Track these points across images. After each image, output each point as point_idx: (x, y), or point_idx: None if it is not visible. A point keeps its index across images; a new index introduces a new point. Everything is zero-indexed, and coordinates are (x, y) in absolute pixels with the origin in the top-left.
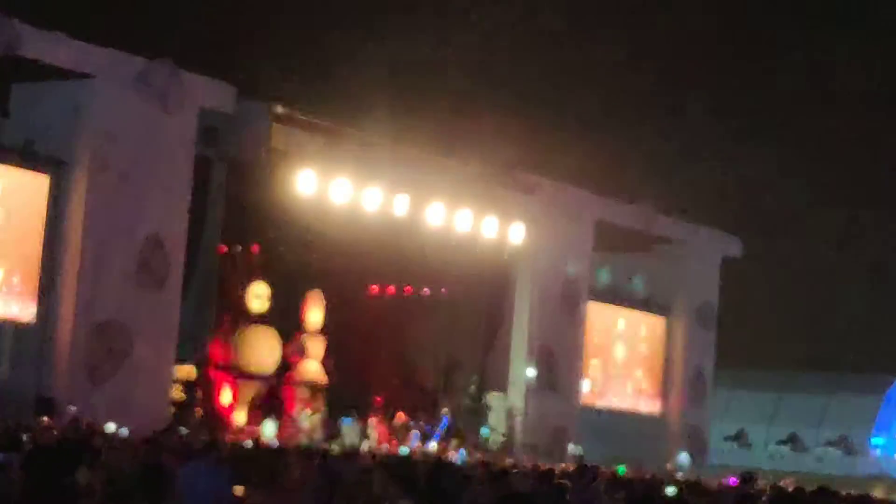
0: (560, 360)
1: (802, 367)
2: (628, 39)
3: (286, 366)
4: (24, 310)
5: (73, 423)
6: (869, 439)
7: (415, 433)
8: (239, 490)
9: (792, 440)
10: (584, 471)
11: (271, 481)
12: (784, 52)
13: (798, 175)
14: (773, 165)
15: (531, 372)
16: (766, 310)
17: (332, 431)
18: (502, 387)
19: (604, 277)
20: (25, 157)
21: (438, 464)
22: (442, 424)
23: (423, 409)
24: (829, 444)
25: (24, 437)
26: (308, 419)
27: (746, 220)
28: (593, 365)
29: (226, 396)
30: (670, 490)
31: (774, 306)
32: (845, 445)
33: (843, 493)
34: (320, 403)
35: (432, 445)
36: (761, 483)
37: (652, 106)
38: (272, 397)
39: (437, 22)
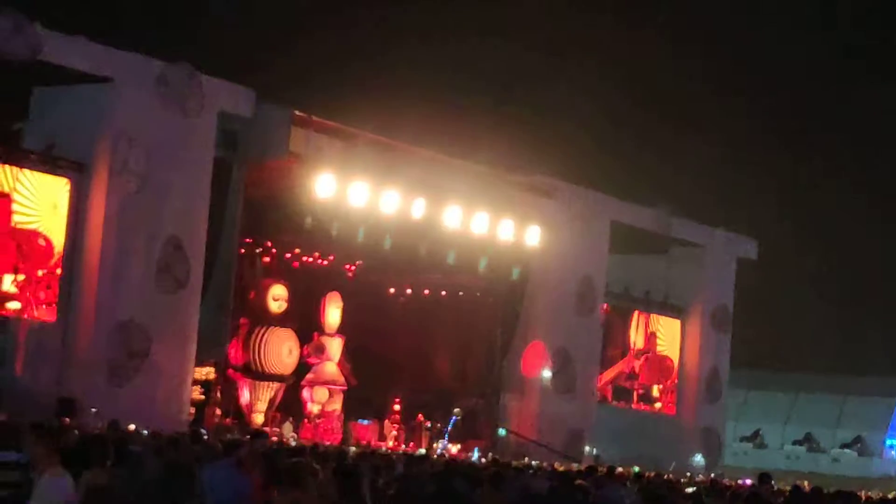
0: (576, 362)
1: (818, 368)
2: (651, 44)
3: (304, 367)
4: (45, 311)
5: (112, 425)
6: (884, 441)
7: (437, 436)
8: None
9: (807, 441)
10: (595, 470)
11: (293, 482)
12: (807, 53)
13: (816, 177)
14: (791, 167)
15: (547, 374)
16: (782, 311)
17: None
18: (519, 389)
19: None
20: (46, 161)
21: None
22: (450, 423)
23: (440, 410)
24: (845, 445)
25: None
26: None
27: (762, 222)
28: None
29: (244, 397)
30: (689, 490)
31: (789, 308)
32: (860, 447)
33: (862, 494)
34: (338, 404)
35: (443, 445)
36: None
37: (671, 109)
38: (291, 398)
39: (454, 25)
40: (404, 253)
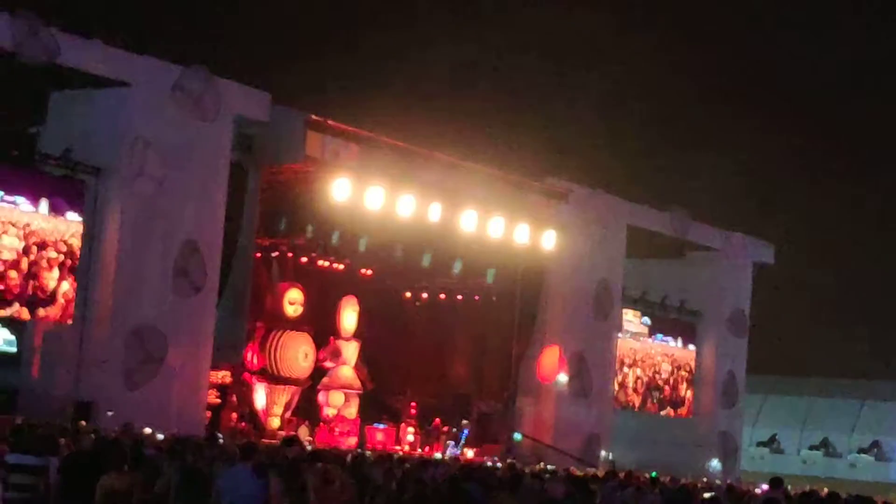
0: (592, 367)
1: (835, 373)
2: (664, 49)
3: (320, 371)
4: (61, 314)
5: (126, 427)
6: None
7: (450, 441)
8: None
9: (824, 446)
10: (614, 476)
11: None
12: (824, 52)
13: (833, 182)
14: (809, 172)
15: (563, 378)
16: (798, 316)
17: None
18: (535, 393)
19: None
20: (63, 165)
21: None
22: (462, 435)
23: (457, 414)
24: (862, 450)
25: (62, 441)
26: None
27: (780, 226)
28: (625, 371)
29: (260, 401)
30: (707, 495)
31: (806, 313)
32: (877, 451)
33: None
34: (354, 408)
35: (451, 449)
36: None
37: (687, 113)
38: (306, 402)
39: (470, 30)
40: (420, 257)
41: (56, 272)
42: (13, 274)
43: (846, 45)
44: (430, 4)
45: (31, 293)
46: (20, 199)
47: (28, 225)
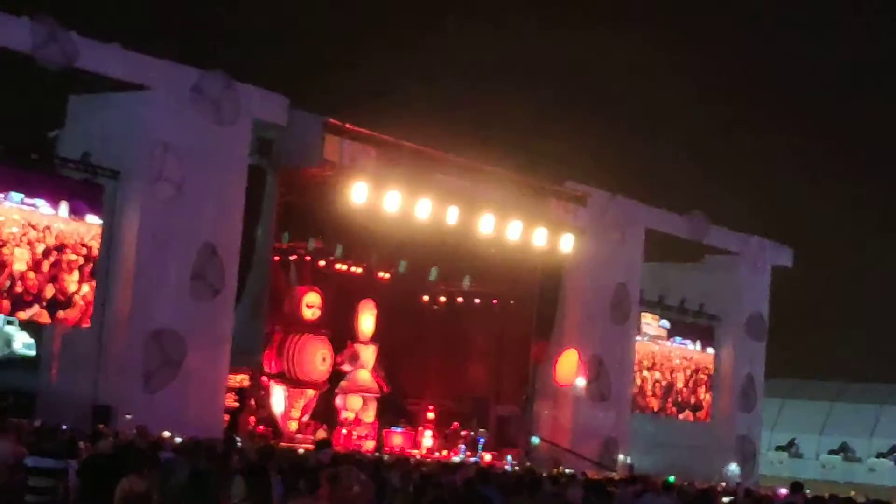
0: (610, 370)
1: (854, 377)
2: (679, 52)
3: (338, 374)
4: (80, 317)
5: (141, 430)
6: None
7: (462, 445)
8: None
9: (843, 450)
10: (634, 481)
11: (310, 489)
12: (824, 52)
13: (849, 184)
14: (825, 176)
15: (581, 382)
16: (817, 320)
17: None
18: (553, 397)
19: None
20: (82, 168)
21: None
22: (479, 443)
23: (475, 418)
24: (881, 454)
25: (81, 445)
26: None
27: (798, 229)
28: (644, 375)
29: (278, 405)
30: (726, 500)
31: (825, 316)
32: None
33: None
34: (372, 412)
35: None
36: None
37: (704, 117)
38: (324, 405)
39: (485, 33)
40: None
41: (76, 275)
42: (31, 275)
43: (846, 45)
44: (448, 8)
45: (51, 296)
46: (40, 202)
47: (48, 228)
